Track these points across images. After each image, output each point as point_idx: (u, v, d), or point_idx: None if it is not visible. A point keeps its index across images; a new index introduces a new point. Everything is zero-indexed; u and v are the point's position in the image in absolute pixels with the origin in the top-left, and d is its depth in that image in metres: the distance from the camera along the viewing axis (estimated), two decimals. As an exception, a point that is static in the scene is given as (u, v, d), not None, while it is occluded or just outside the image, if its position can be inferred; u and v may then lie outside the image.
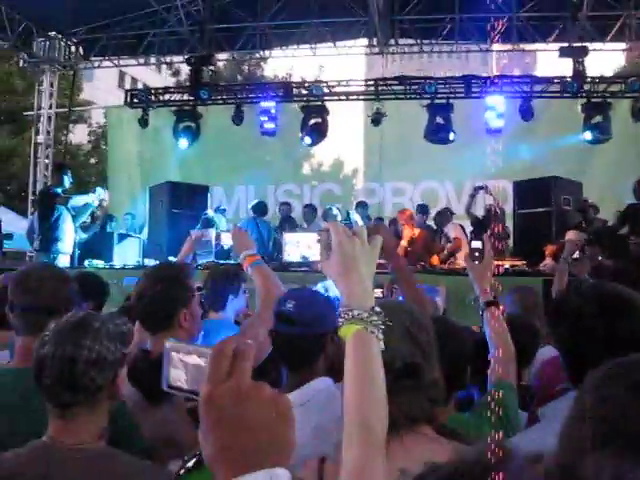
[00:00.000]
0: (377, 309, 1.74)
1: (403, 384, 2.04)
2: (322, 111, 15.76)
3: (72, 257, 11.64)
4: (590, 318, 2.33)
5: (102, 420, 2.43)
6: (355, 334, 1.71)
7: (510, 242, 12.61)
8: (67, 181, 11.65)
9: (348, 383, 1.69)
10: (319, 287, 5.10)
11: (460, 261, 10.40)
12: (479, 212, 12.54)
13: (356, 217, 13.24)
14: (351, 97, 16.54)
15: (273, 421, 1.19)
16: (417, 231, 11.83)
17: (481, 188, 12.69)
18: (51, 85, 17.67)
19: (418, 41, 16.50)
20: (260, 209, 13.65)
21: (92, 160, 33.22)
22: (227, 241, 10.18)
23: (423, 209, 13.58)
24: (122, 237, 12.96)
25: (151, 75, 36.43)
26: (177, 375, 1.34)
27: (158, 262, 8.04)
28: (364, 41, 17.16)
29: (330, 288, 5.17)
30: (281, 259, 10.42)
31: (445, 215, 12.89)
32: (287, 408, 1.22)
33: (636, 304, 2.37)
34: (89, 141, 33.74)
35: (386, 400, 1.67)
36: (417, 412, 2.08)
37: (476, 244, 3.27)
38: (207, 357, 1.26)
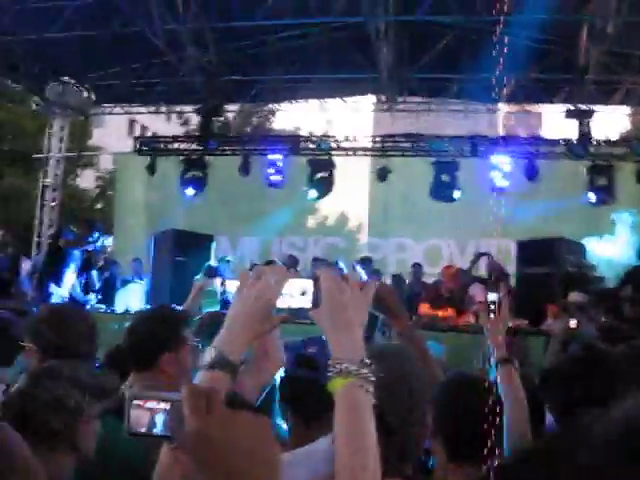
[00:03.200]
0: (367, 361, 1.69)
1: None
2: (329, 165, 15.85)
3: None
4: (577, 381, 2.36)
5: (58, 471, 2.28)
6: (344, 389, 1.67)
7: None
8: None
9: (338, 440, 1.65)
10: None
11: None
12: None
13: (360, 271, 13.29)
14: (358, 153, 16.62)
15: (261, 442, 1.25)
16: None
17: (483, 254, 12.76)
18: (61, 129, 17.77)
19: (426, 99, 16.66)
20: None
21: (98, 205, 33.30)
22: (232, 289, 10.12)
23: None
24: (125, 282, 12.97)
25: (160, 123, 36.61)
26: (140, 421, 1.36)
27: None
28: (372, 97, 17.34)
29: None
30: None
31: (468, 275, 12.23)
32: (269, 428, 1.29)
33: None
34: (97, 186, 33.83)
35: (378, 456, 1.61)
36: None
37: (492, 297, 3.23)
38: (170, 401, 1.33)
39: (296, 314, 1.95)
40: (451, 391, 2.65)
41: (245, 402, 2.70)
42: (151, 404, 1.36)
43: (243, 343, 1.82)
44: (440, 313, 10.61)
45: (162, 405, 1.35)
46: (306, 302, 1.85)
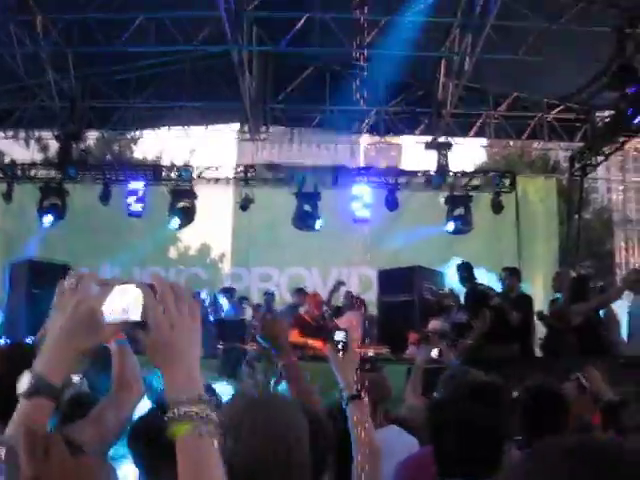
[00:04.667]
0: (206, 397, 1.47)
1: None
2: (190, 195, 15.75)
3: None
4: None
5: None
6: (184, 438, 1.43)
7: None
8: None
9: None
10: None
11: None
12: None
13: (223, 302, 13.25)
14: (220, 182, 16.59)
15: None
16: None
17: (342, 283, 13.22)
18: None
19: (289, 129, 16.77)
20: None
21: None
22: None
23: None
24: (-23, 315, 12.48)
25: (19, 150, 35.61)
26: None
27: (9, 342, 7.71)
28: (236, 126, 17.33)
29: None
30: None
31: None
32: (111, 475, 1.35)
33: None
34: (-53, 215, 32.39)
35: None
36: None
37: (339, 335, 3.20)
38: (6, 446, 1.24)
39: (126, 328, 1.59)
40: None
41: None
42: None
43: (66, 362, 1.54)
44: (310, 341, 10.68)
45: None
46: (134, 314, 1.51)
